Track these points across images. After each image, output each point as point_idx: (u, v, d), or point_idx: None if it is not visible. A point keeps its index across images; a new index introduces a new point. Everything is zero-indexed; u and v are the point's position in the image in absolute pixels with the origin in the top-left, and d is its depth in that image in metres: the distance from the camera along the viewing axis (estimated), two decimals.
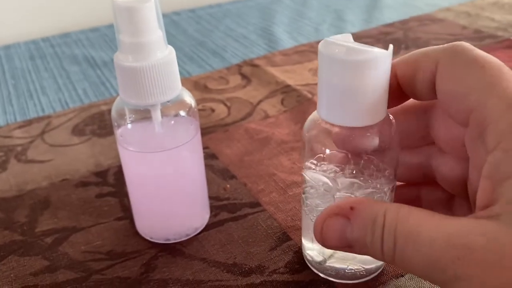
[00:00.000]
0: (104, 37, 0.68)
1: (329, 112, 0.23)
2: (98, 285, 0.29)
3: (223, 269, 0.30)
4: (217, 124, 0.45)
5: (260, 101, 0.49)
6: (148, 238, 0.32)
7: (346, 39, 0.21)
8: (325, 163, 0.24)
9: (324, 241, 0.21)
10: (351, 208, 0.20)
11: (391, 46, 0.21)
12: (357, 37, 0.49)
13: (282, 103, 0.48)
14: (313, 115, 0.25)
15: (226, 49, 0.63)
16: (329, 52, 0.21)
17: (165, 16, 0.75)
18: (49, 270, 0.30)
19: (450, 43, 0.21)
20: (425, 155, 0.25)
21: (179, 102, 0.29)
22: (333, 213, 0.20)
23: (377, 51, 0.20)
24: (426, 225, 0.18)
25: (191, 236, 0.32)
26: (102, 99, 0.51)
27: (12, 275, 0.30)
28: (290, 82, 0.51)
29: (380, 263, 0.28)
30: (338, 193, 0.25)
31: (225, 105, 0.48)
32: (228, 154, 0.41)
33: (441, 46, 0.21)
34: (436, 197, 0.26)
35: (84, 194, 0.37)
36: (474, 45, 0.20)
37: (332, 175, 0.25)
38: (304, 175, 0.26)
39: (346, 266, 0.27)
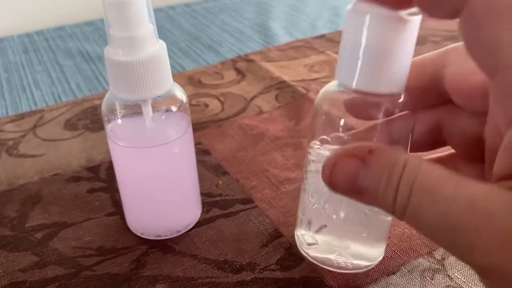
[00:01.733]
0: (98, 31, 0.68)
1: (349, 75, 0.21)
2: (87, 281, 0.29)
3: (213, 266, 0.29)
4: (210, 120, 0.45)
5: (254, 97, 0.48)
6: (138, 234, 0.32)
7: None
8: (329, 145, 0.24)
9: (332, 183, 0.19)
10: (370, 152, 0.18)
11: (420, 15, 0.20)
12: None
13: (276, 98, 0.48)
14: (328, 86, 0.24)
15: (221, 44, 0.62)
16: (361, 8, 0.20)
17: (160, 10, 0.75)
18: (38, 266, 0.30)
19: None
20: (437, 116, 0.24)
21: (170, 97, 0.28)
22: (349, 153, 0.19)
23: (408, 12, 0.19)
24: (448, 183, 0.16)
25: (182, 232, 0.32)
26: (96, 93, 0.51)
27: (0, 271, 0.30)
28: (285, 78, 0.51)
29: (370, 262, 0.28)
30: None
31: (219, 100, 0.48)
32: (221, 150, 0.40)
33: None
34: None
35: (75, 189, 0.37)
36: None
37: None
38: (309, 152, 0.25)
39: (333, 256, 0.27)
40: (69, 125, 0.45)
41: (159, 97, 0.28)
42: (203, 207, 0.34)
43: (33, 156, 0.41)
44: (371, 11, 0.19)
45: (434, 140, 0.24)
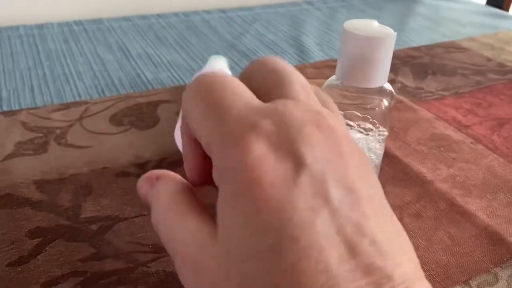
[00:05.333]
0: (136, 27, 0.69)
1: (345, 75, 0.32)
2: (144, 277, 0.30)
3: None
4: None
5: None
6: None
7: (368, 23, 0.31)
8: None
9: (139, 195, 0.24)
10: (157, 178, 0.23)
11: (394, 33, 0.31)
12: None
13: None
14: (331, 79, 0.33)
15: (257, 53, 0.64)
16: (350, 28, 0.30)
17: (196, 13, 0.76)
18: (97, 258, 0.31)
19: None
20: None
21: None
22: (146, 177, 0.24)
23: (385, 32, 0.31)
24: (178, 225, 0.20)
25: None
26: (138, 91, 0.52)
27: (61, 259, 0.31)
28: None
29: None
30: None
31: None
32: None
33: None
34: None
35: (125, 184, 0.38)
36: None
37: None
38: None
39: None
40: (115, 120, 0.46)
41: None
42: None
43: (81, 147, 0.42)
44: (356, 31, 0.30)
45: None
